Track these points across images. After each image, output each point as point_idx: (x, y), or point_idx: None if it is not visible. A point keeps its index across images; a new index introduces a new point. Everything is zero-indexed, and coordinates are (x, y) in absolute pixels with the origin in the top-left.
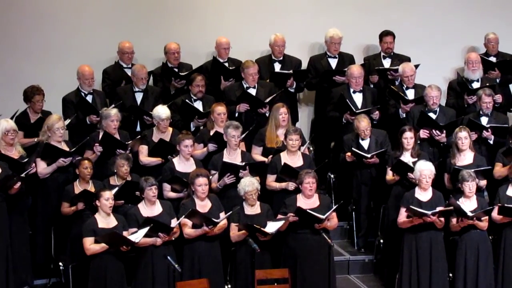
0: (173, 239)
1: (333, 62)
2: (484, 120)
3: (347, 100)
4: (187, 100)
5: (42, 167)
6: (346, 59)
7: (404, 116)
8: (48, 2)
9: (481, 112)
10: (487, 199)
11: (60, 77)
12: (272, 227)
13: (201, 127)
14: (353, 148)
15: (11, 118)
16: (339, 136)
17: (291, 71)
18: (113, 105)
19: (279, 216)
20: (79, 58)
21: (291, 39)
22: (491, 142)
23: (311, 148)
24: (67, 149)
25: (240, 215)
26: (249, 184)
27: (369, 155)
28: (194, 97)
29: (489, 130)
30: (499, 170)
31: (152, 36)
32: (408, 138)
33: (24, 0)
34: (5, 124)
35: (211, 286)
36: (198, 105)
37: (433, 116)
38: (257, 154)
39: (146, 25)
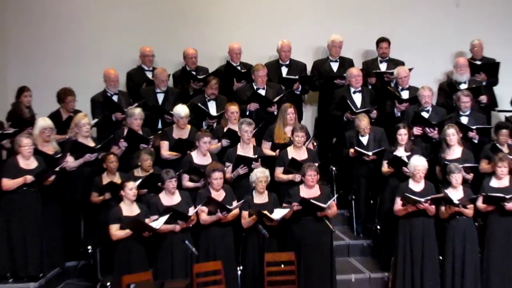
0: (191, 226)
1: (335, 66)
2: (464, 119)
3: (348, 100)
4: (199, 104)
5: (70, 161)
6: (346, 63)
7: (399, 115)
8: (77, 12)
9: (460, 112)
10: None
11: (89, 79)
12: (278, 214)
13: (215, 125)
14: (356, 148)
15: (48, 117)
16: (341, 132)
17: (297, 77)
18: (136, 104)
19: (284, 205)
20: (106, 62)
21: (298, 45)
22: (476, 141)
23: (315, 143)
24: (93, 145)
25: (250, 204)
26: (261, 171)
27: (370, 153)
28: (208, 98)
29: (473, 130)
30: (484, 167)
31: (171, 42)
32: (402, 134)
33: (57, 11)
34: (42, 122)
35: (225, 268)
36: (212, 104)
37: (426, 114)
38: (266, 149)
39: (166, 32)
